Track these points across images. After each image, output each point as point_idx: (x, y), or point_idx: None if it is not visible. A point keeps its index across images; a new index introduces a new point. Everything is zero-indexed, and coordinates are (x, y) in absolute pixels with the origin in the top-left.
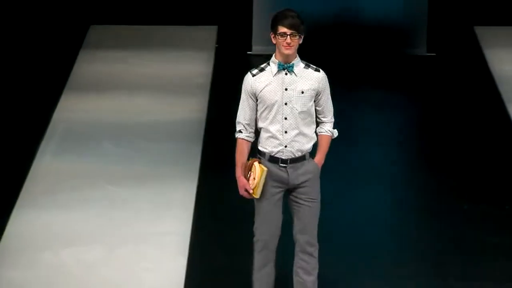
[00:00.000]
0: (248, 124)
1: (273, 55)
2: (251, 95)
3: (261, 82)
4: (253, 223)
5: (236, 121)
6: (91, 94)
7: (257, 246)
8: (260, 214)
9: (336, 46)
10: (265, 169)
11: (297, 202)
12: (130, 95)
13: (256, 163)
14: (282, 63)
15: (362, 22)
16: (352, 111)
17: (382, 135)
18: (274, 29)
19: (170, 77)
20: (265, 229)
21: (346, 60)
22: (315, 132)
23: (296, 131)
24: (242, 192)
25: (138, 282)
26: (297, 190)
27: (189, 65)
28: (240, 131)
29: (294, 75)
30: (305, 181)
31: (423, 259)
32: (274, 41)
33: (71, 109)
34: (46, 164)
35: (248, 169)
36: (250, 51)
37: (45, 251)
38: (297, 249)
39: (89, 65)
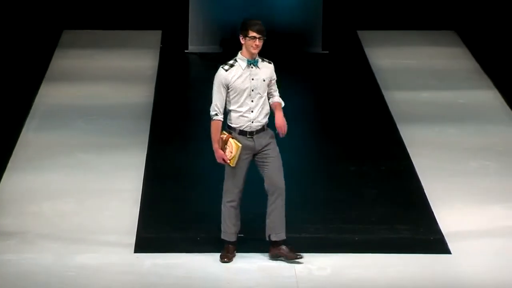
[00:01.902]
0: (220, 109)
1: (239, 53)
2: (224, 85)
3: (232, 75)
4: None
5: (212, 107)
6: (65, 84)
7: (225, 203)
8: (232, 177)
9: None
10: (240, 145)
11: (263, 162)
12: (95, 84)
13: (231, 139)
14: (250, 60)
15: (270, 26)
16: None
17: (287, 114)
18: (244, 33)
19: (125, 70)
20: (234, 190)
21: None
22: (269, 103)
23: (259, 109)
24: (220, 160)
25: (102, 226)
26: (261, 153)
27: (140, 61)
28: (216, 114)
29: (258, 68)
30: (267, 145)
31: (320, 208)
32: (243, 42)
33: (49, 95)
34: (30, 137)
35: (224, 143)
36: (187, 49)
37: (30, 204)
38: (269, 198)
39: (63, 61)
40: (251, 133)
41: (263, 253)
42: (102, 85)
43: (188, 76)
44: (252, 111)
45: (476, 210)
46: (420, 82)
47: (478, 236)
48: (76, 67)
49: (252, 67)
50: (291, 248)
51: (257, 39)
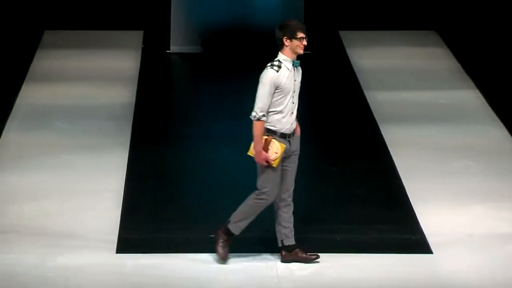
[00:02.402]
0: (267, 110)
1: (280, 53)
2: (275, 86)
3: (283, 76)
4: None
5: (260, 108)
6: (46, 84)
7: (262, 203)
8: (273, 179)
9: (235, 48)
10: (284, 145)
11: (287, 166)
12: (76, 85)
13: (274, 141)
14: (294, 61)
15: (251, 27)
16: (239, 95)
17: None
18: (291, 34)
19: (106, 70)
20: (275, 190)
21: (240, 59)
22: None
23: (295, 112)
24: (262, 162)
25: (84, 227)
26: (290, 157)
27: (121, 61)
28: (264, 115)
29: (296, 69)
30: (296, 149)
31: (301, 208)
32: (287, 44)
33: (31, 96)
34: (12, 138)
35: (266, 144)
36: (169, 50)
37: (12, 204)
38: (280, 203)
39: (44, 61)
40: (289, 136)
41: (245, 253)
42: (84, 86)
43: (169, 76)
44: (292, 113)
45: (457, 210)
46: (402, 82)
47: (459, 236)
48: (58, 68)
49: (294, 68)
50: (304, 251)
51: (304, 40)
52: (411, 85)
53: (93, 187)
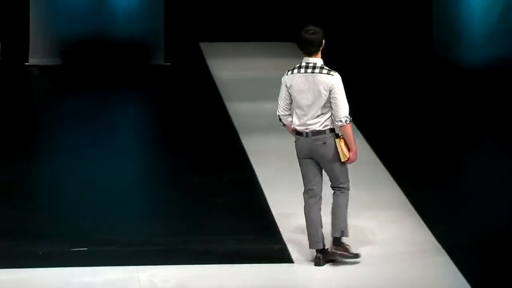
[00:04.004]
0: None
1: (319, 58)
2: None
3: None
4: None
5: (348, 111)
6: None
7: (349, 194)
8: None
9: (95, 59)
10: None
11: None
12: None
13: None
14: None
15: (111, 39)
16: (108, 108)
17: (133, 125)
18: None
19: None
20: None
21: (100, 70)
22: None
23: None
24: (355, 159)
25: None
26: None
27: None
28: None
29: None
30: None
31: (164, 219)
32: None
33: None
34: None
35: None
36: (27, 62)
37: None
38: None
39: None
40: None
41: (110, 266)
42: None
43: (28, 89)
44: None
45: None
46: (262, 93)
47: None
48: None
49: None
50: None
51: None
52: (271, 96)
53: None
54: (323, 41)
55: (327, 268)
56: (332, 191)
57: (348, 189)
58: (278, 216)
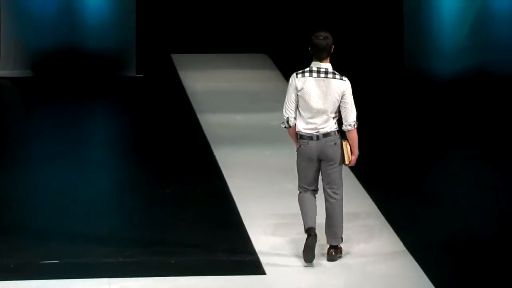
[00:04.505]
0: None
1: (329, 64)
2: None
3: None
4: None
5: (356, 116)
6: None
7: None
8: None
9: (66, 71)
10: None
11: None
12: None
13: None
14: None
15: (85, 51)
16: (80, 119)
17: (103, 136)
18: None
19: None
20: None
21: (72, 82)
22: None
23: None
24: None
25: None
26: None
27: None
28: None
29: None
30: None
31: (136, 231)
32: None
33: None
34: None
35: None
36: None
37: None
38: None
39: None
40: None
41: (81, 279)
42: None
43: None
44: None
45: (289, 230)
46: (234, 104)
47: (291, 256)
48: None
49: None
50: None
51: None
52: (244, 107)
53: None
54: (333, 46)
55: (299, 278)
56: (325, 200)
57: (342, 196)
58: (250, 227)
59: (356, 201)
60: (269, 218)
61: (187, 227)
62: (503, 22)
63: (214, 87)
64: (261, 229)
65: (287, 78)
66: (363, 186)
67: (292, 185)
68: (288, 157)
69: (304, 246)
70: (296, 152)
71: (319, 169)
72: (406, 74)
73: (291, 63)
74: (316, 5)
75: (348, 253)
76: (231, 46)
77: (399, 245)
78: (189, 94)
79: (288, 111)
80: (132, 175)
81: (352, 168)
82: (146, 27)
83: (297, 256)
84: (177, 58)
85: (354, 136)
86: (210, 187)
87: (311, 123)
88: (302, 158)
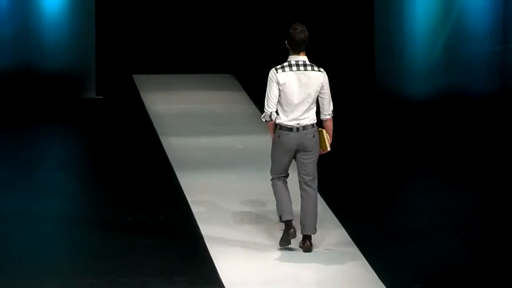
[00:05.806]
0: None
1: (306, 57)
2: None
3: None
4: None
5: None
6: None
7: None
8: None
9: (22, 93)
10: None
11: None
12: None
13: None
14: None
15: (42, 72)
16: (36, 143)
17: (60, 161)
18: None
19: None
20: None
21: (32, 103)
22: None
23: None
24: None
25: None
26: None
27: None
28: None
29: None
30: None
31: (94, 260)
32: None
33: None
34: None
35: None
36: None
37: None
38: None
39: None
40: None
41: None
42: None
43: None
44: None
45: (255, 257)
46: (199, 127)
47: (257, 284)
48: None
49: None
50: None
51: None
52: (208, 130)
53: None
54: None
55: None
56: (302, 190)
57: (317, 188)
58: (215, 255)
59: (325, 225)
60: (234, 245)
61: (149, 255)
62: (475, 42)
63: (177, 109)
64: (226, 256)
65: (254, 100)
66: (332, 209)
67: (258, 210)
68: (253, 181)
69: (282, 237)
70: (272, 142)
71: (293, 158)
72: (377, 94)
73: (258, 83)
74: (283, 24)
75: (317, 274)
76: (195, 66)
77: (370, 273)
78: (151, 116)
79: (271, 105)
80: (92, 201)
81: (321, 191)
82: (107, 47)
83: (263, 284)
84: (138, 79)
85: (331, 124)
86: (173, 213)
87: (292, 116)
88: (279, 148)
